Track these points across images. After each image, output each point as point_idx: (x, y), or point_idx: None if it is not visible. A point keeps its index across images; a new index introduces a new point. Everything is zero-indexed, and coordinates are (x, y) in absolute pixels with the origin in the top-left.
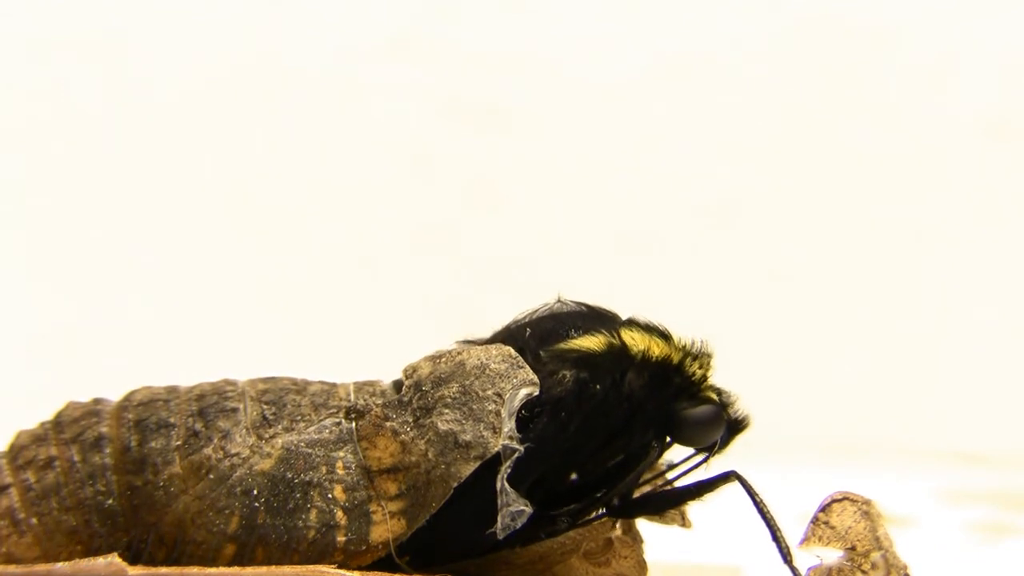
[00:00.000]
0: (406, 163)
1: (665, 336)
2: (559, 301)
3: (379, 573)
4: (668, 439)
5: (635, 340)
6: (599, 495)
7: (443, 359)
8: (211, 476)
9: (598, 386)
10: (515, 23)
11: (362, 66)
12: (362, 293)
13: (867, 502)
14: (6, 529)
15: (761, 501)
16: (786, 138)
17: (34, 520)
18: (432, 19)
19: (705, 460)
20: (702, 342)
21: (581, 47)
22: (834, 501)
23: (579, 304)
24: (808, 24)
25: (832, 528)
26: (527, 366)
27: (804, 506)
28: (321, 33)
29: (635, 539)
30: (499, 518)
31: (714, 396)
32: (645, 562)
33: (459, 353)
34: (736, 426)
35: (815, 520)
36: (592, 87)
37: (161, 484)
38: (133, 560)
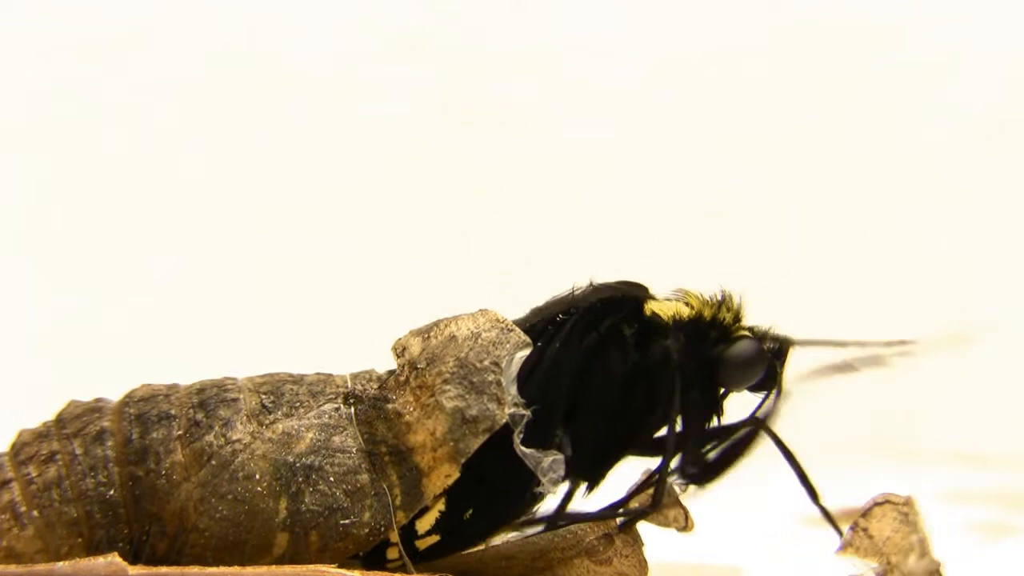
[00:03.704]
0: (406, 163)
1: (690, 298)
2: (593, 285)
3: (380, 572)
4: (722, 391)
5: (665, 308)
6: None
7: (432, 334)
8: (213, 462)
9: (615, 312)
10: (515, 23)
11: (362, 66)
12: (362, 293)
13: (907, 503)
14: (7, 523)
15: (788, 448)
16: (786, 138)
17: (35, 513)
18: (433, 19)
19: (768, 396)
20: (723, 290)
21: (581, 47)
22: (876, 505)
23: (616, 283)
24: (808, 24)
25: (871, 538)
26: (516, 328)
27: (805, 507)
28: (322, 33)
29: (636, 539)
30: (541, 478)
31: (747, 333)
32: (646, 561)
33: (447, 325)
34: (781, 352)
35: (855, 526)
36: (592, 87)
37: (163, 472)
38: (135, 553)
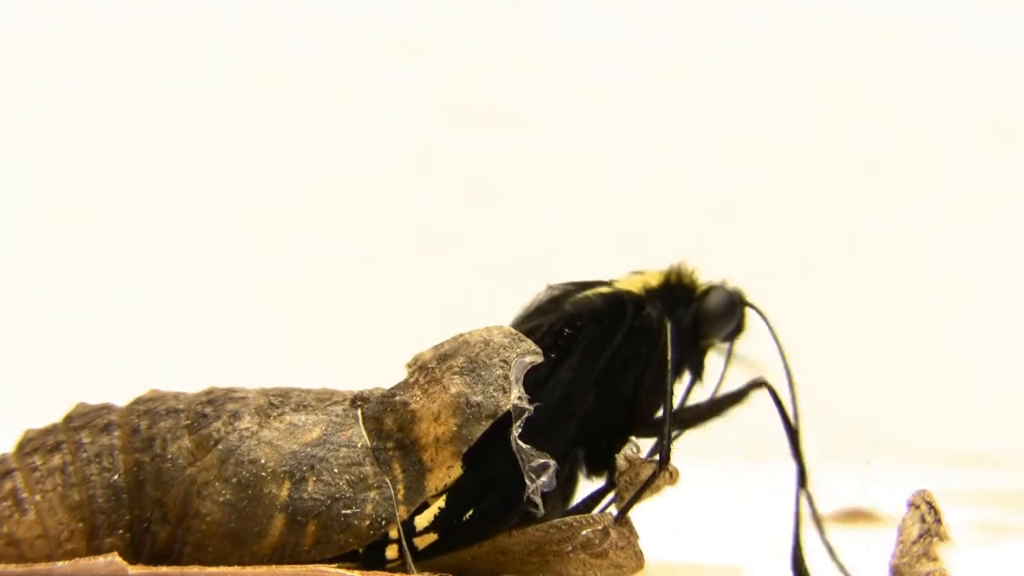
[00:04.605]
0: (406, 163)
1: (646, 272)
2: (549, 287)
3: (379, 573)
4: (703, 345)
5: (632, 282)
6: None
7: (444, 342)
8: (219, 447)
9: (624, 301)
10: (515, 23)
11: (362, 66)
12: (362, 293)
13: (930, 511)
14: (8, 510)
15: (787, 412)
16: (786, 138)
17: (38, 497)
18: (432, 19)
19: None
20: (674, 260)
21: (581, 47)
22: (910, 505)
23: (567, 283)
24: (808, 24)
25: (902, 542)
26: (528, 339)
27: (806, 507)
28: (322, 33)
29: (631, 531)
30: (526, 477)
31: (711, 286)
32: (641, 553)
33: (461, 335)
34: (742, 297)
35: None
36: (592, 87)
37: (169, 457)
38: (136, 542)
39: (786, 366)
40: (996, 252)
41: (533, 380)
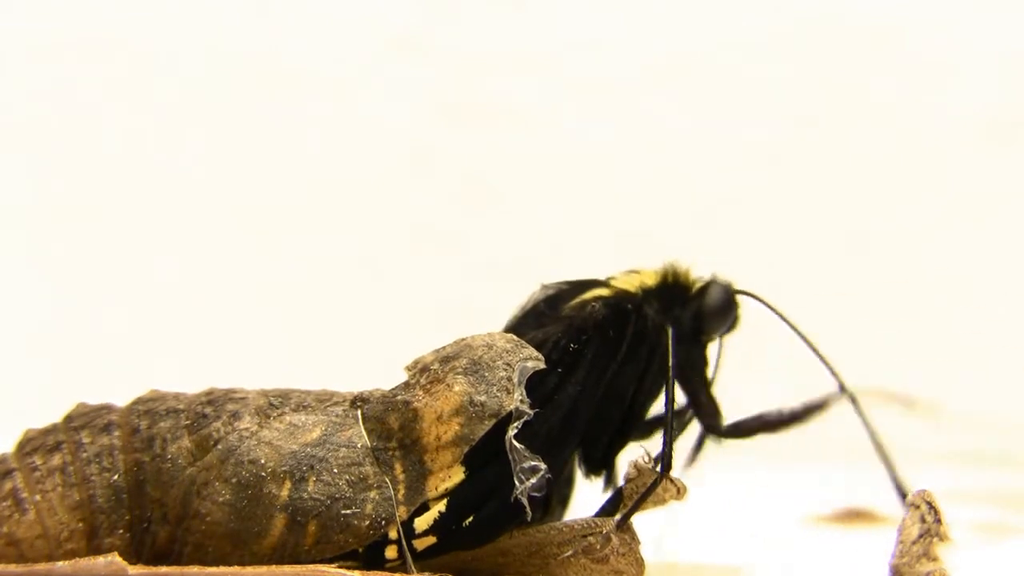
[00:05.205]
0: (406, 163)
1: (641, 272)
2: (543, 286)
3: (379, 572)
4: (703, 341)
5: (629, 282)
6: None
7: (447, 345)
8: (219, 447)
9: (627, 310)
10: (515, 23)
11: (362, 66)
12: (362, 293)
13: (930, 511)
14: (8, 510)
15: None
16: (786, 138)
17: (38, 497)
18: (432, 19)
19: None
20: (664, 260)
21: (581, 47)
22: (911, 505)
23: (561, 282)
24: (808, 24)
25: (902, 541)
26: (530, 347)
27: (806, 507)
28: (322, 33)
29: (633, 537)
30: (516, 477)
31: (706, 282)
32: (642, 559)
33: (463, 339)
34: (736, 291)
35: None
36: (592, 87)
37: (169, 457)
38: (136, 542)
39: (803, 338)
40: (996, 252)
41: (540, 395)
